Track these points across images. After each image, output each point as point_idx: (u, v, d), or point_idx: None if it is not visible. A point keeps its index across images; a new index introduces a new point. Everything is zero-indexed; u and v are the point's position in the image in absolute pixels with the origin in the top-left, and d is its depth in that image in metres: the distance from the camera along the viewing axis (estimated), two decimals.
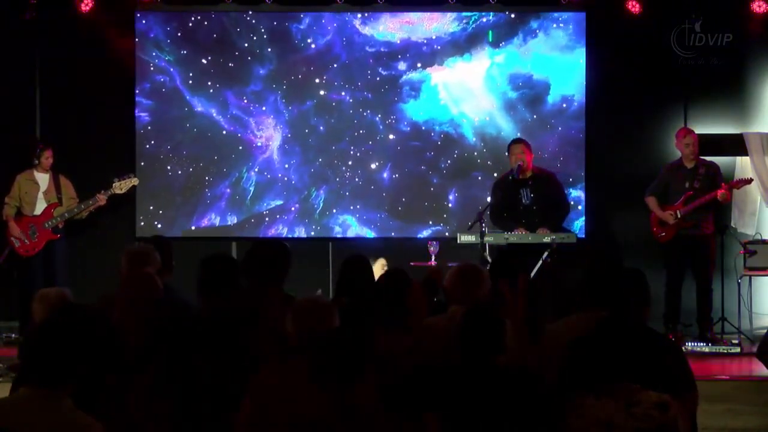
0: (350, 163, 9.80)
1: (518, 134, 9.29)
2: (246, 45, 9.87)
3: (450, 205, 9.75)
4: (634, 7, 9.23)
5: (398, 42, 9.76)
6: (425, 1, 9.51)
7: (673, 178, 8.64)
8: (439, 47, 9.76)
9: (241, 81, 9.86)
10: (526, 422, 3.55)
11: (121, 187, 9.00)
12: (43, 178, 8.93)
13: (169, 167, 9.69)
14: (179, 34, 9.65)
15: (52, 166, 8.95)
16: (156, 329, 4.28)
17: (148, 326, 4.32)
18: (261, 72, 9.89)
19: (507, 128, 9.63)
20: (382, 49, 9.80)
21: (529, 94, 9.69)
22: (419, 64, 9.79)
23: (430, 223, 9.71)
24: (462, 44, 9.74)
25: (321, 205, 9.84)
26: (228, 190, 9.78)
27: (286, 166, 9.86)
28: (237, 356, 4.12)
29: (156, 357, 4.13)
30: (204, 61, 9.81)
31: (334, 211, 9.81)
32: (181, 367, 4.07)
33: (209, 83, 9.80)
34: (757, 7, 9.22)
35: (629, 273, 4.36)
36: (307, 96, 9.87)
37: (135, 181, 9.13)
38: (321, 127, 9.85)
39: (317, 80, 9.88)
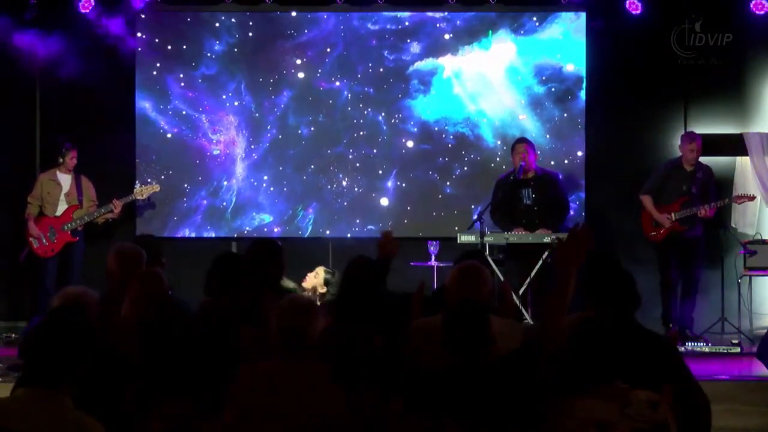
0: (346, 179, 8.86)
1: (546, 136, 9.00)
2: (199, 14, 8.42)
3: (466, 217, 8.82)
4: (634, 7, 9.23)
5: (407, 20, 8.63)
6: (425, 1, 9.46)
7: (671, 179, 8.67)
8: (461, 23, 8.62)
9: (186, 61, 8.53)
10: (515, 420, 3.56)
11: (142, 192, 8.92)
12: (65, 179, 8.88)
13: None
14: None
15: (75, 167, 8.91)
16: (158, 328, 4.29)
17: (151, 325, 4.32)
18: (216, 48, 8.53)
19: (532, 128, 8.91)
20: (388, 26, 8.69)
21: (558, 89, 9.00)
22: (433, 48, 8.66)
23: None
24: (493, 18, 8.68)
25: (310, 227, 8.81)
26: (204, 202, 8.98)
27: (266, 177, 8.75)
28: (233, 354, 4.13)
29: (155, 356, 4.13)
30: (142, 35, 8.43)
31: (328, 232, 8.88)
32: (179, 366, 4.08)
33: (146, 66, 8.52)
34: (757, 7, 9.22)
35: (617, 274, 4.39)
36: (284, 83, 8.60)
37: (156, 188, 8.97)
38: (311, 128, 8.76)
39: (298, 61, 8.51)
